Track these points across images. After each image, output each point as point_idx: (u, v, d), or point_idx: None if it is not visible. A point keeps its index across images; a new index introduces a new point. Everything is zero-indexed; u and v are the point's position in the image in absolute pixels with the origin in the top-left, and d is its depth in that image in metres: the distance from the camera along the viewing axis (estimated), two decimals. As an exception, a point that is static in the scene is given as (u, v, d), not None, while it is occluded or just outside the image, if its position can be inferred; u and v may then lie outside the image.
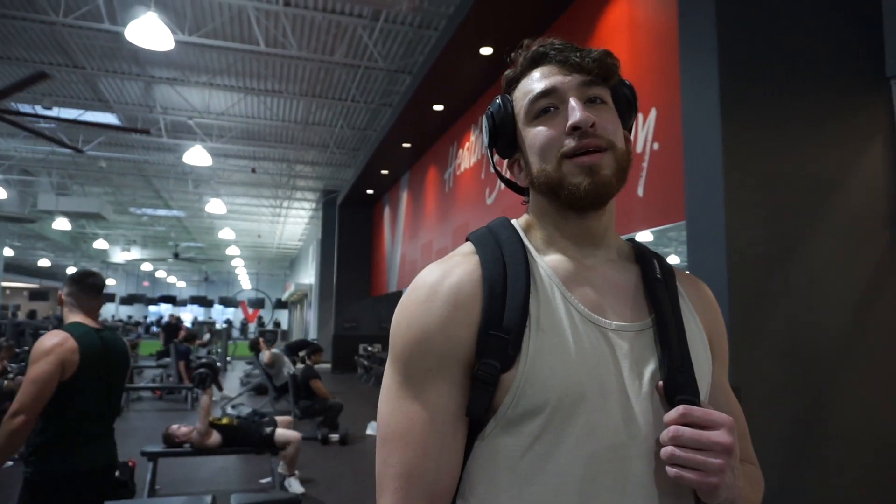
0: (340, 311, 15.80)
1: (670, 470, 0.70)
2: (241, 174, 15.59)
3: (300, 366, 8.10)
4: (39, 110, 10.37)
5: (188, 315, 37.36)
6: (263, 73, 9.63)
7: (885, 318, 2.80)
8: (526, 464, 0.73)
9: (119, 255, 30.72)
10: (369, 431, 7.56)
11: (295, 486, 4.89)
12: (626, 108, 0.88)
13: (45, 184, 16.00)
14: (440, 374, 0.75)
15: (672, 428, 0.71)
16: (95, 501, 2.36)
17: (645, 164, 4.08)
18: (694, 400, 0.75)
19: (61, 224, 17.09)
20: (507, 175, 0.95)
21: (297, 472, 5.12)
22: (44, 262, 31.57)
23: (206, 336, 16.34)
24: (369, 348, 14.43)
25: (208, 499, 3.23)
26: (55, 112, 10.90)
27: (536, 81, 0.84)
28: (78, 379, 2.32)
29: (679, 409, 0.72)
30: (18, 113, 8.56)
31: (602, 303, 0.80)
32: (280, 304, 30.67)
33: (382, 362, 12.22)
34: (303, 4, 7.58)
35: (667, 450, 0.71)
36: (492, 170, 0.82)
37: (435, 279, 0.79)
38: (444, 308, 0.76)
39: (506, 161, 0.93)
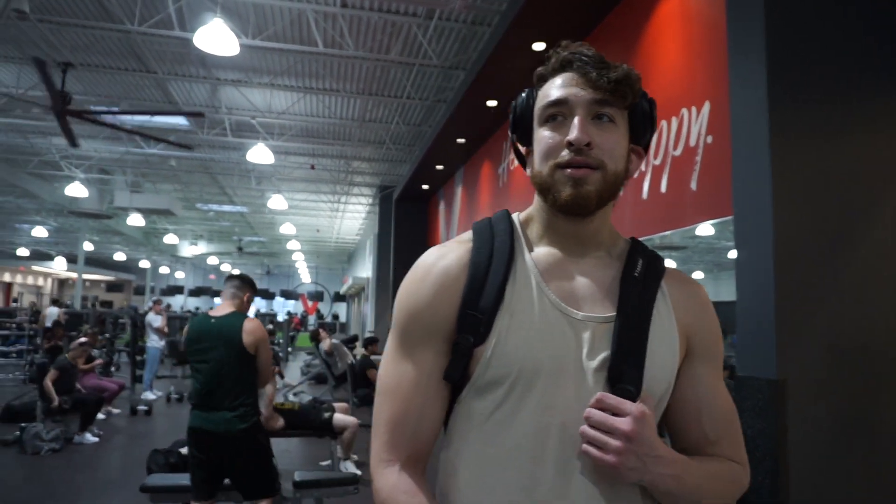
0: (396, 304, 16.10)
1: (583, 445, 0.81)
2: (301, 171, 16.11)
3: (360, 349, 8.38)
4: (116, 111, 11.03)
5: (251, 308, 38.75)
6: (322, 73, 9.95)
7: (943, 314, 2.75)
8: (490, 426, 0.86)
9: (187, 250, 32.15)
10: (423, 421, 7.76)
11: (351, 469, 5.12)
12: (642, 124, 0.94)
13: (121, 182, 16.97)
14: (427, 343, 0.89)
15: (587, 410, 0.82)
16: (209, 458, 2.98)
17: (698, 158, 4.07)
18: (631, 388, 0.83)
19: (135, 220, 18.12)
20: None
21: (353, 455, 5.36)
22: (119, 256, 33.41)
23: (269, 327, 16.99)
24: (424, 341, 14.67)
25: (273, 474, 3.47)
26: (129, 116, 11.58)
27: (555, 88, 0.90)
28: (187, 352, 3.10)
29: (597, 396, 0.82)
30: (95, 116, 9.16)
31: (576, 295, 0.89)
32: (338, 297, 31.42)
33: (437, 354, 12.42)
34: (359, 5, 7.81)
35: (581, 428, 0.82)
36: (514, 153, 0.90)
37: (430, 262, 0.93)
38: (432, 287, 0.90)
39: (524, 148, 1.00)
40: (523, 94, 0.97)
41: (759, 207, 2.65)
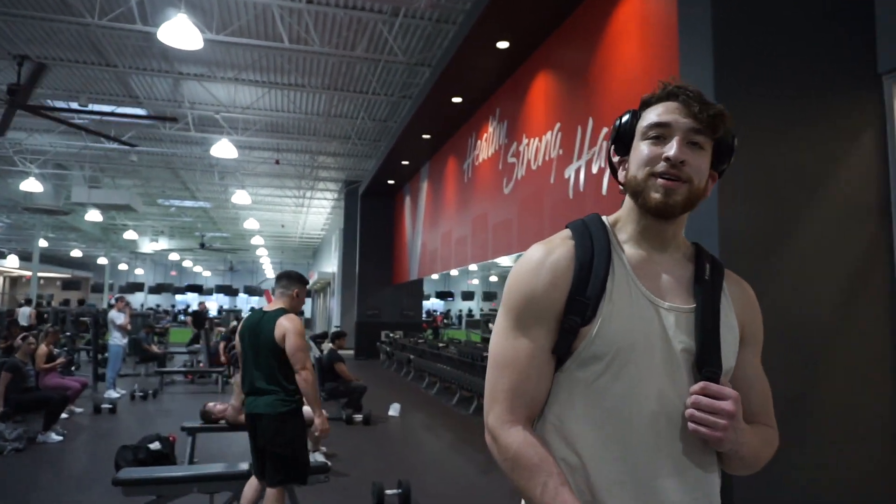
0: (363, 298, 16.14)
1: (690, 425, 0.99)
2: (266, 166, 15.97)
3: (327, 344, 8.43)
4: (74, 107, 10.79)
5: (213, 304, 38.14)
6: (287, 68, 9.92)
7: (871, 304, 2.99)
8: (591, 392, 1.03)
9: (147, 246, 31.47)
10: (391, 413, 7.88)
11: (320, 460, 5.20)
12: (723, 155, 1.12)
13: (78, 177, 16.55)
14: (540, 322, 1.06)
15: (693, 397, 0.99)
16: (254, 437, 3.26)
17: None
18: (716, 371, 1.02)
19: (93, 216, 17.69)
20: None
21: (322, 448, 5.45)
22: (76, 253, 32.50)
23: (233, 324, 16.81)
24: (391, 335, 14.75)
25: (245, 465, 3.54)
26: (89, 108, 11.33)
27: (660, 113, 1.08)
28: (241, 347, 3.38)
29: (700, 384, 1.00)
30: (54, 109, 8.96)
31: (660, 288, 1.08)
32: (304, 293, 31.13)
33: (405, 348, 12.54)
34: (324, 1, 7.83)
35: (688, 412, 1.00)
36: (605, 162, 1.04)
37: (541, 255, 1.08)
38: (547, 276, 1.06)
39: (617, 158, 1.16)
40: (629, 114, 1.14)
41: (705, 202, 2.84)
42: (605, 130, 5.35)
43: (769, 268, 2.85)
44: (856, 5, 3.14)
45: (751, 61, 2.96)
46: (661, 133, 1.06)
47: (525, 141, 7.24)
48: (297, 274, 3.60)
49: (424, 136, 10.90)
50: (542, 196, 6.64)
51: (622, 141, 1.13)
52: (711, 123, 1.05)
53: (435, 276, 12.87)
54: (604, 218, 1.15)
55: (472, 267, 9.99)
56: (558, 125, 6.37)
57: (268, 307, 3.44)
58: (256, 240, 27.53)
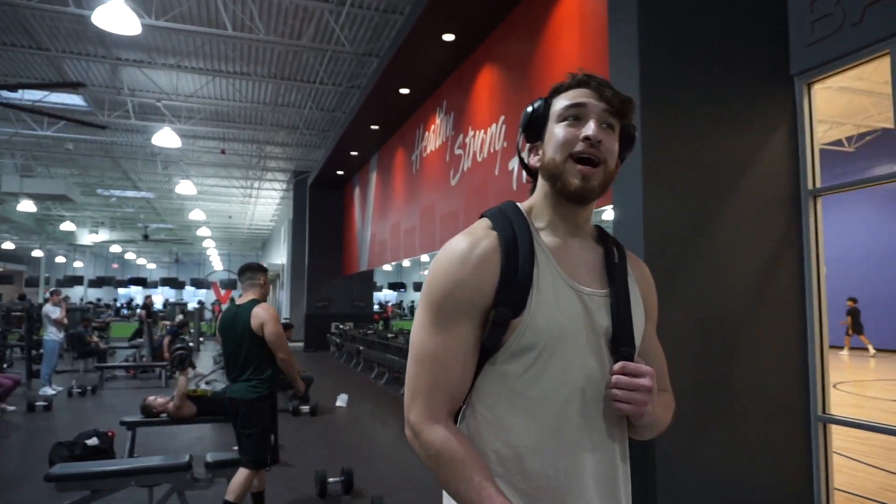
0: (312, 290, 16.00)
1: (613, 403, 1.05)
2: (211, 155, 15.60)
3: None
4: (4, 93, 10.30)
5: (159, 297, 37.02)
6: (231, 55, 9.72)
7: (782, 291, 3.20)
8: (521, 383, 1.05)
9: (87, 238, 30.27)
10: (339, 403, 7.89)
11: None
12: (626, 142, 1.15)
13: (9, 165, 15.79)
14: (466, 316, 1.05)
15: (614, 377, 1.04)
16: (234, 420, 3.52)
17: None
18: (630, 350, 1.08)
19: (26, 206, 16.90)
20: (526, 156, 1.20)
21: (269, 439, 5.43)
22: (7, 245, 30.96)
23: (179, 317, 16.41)
24: (341, 326, 14.69)
25: (186, 456, 3.53)
26: (19, 94, 10.84)
27: (575, 96, 1.11)
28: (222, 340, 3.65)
29: (620, 364, 1.05)
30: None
31: (577, 273, 1.10)
32: (252, 285, 30.54)
33: (355, 340, 12.52)
34: (269, -11, 7.71)
35: (610, 391, 1.05)
36: (517, 154, 1.06)
37: (466, 247, 1.07)
38: (474, 269, 1.04)
39: (528, 145, 1.18)
40: (540, 101, 1.16)
41: (632, 197, 2.98)
42: (546, 124, 5.47)
43: (690, 258, 3.02)
44: (771, 11, 3.34)
45: (674, 60, 3.11)
46: (577, 114, 1.08)
47: (471, 133, 7.33)
48: (257, 264, 3.80)
49: (373, 127, 10.88)
50: (488, 187, 6.75)
51: (534, 127, 1.15)
52: (622, 108, 1.10)
53: (388, 268, 12.88)
54: (519, 205, 1.15)
55: (424, 258, 10.06)
56: (502, 118, 6.48)
57: (241, 300, 3.63)
58: (203, 231, 26.85)
